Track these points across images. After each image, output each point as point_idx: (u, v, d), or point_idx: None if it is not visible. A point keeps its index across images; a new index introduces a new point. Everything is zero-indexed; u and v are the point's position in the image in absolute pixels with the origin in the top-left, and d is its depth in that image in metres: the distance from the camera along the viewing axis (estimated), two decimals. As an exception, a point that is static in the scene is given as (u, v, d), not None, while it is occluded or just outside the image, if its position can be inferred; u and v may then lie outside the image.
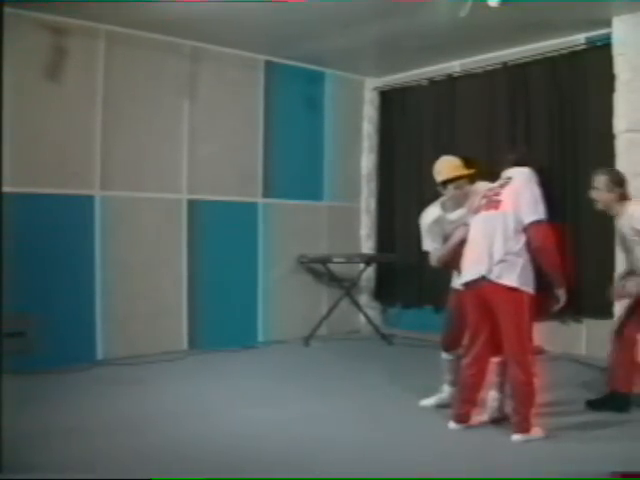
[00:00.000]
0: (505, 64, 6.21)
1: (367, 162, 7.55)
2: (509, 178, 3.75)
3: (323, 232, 7.14)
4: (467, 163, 4.06)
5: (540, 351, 5.86)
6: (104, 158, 5.60)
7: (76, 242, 5.46)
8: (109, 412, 4.09)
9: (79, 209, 5.50)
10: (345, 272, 6.95)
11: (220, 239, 6.26)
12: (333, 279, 6.88)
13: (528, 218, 3.56)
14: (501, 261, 3.55)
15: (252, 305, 6.59)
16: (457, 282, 3.88)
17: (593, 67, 5.60)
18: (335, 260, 6.73)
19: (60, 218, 5.31)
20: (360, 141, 7.56)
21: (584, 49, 5.71)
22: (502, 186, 3.73)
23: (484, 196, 3.80)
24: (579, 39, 5.75)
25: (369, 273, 7.28)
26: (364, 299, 7.38)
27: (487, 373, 3.84)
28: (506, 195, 3.65)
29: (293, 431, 3.79)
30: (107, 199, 5.63)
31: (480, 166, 4.08)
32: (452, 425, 3.79)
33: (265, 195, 6.69)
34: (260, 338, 6.59)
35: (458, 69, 6.72)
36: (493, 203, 3.68)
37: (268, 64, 6.68)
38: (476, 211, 3.80)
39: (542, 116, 5.96)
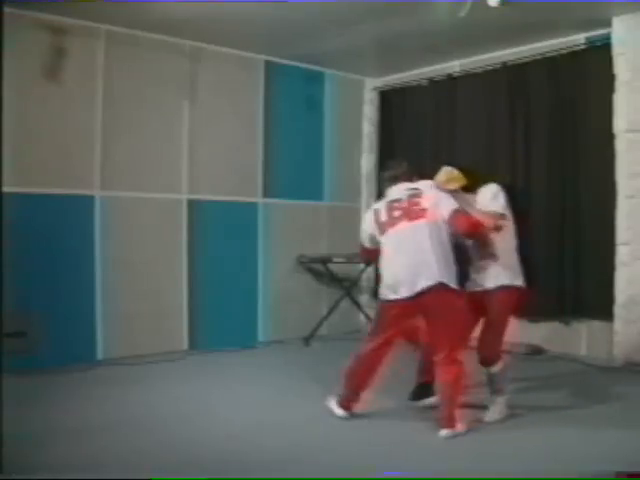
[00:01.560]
0: (505, 64, 6.21)
1: (367, 162, 7.56)
2: (416, 189, 3.86)
3: (323, 232, 7.14)
4: (464, 173, 4.08)
5: (538, 351, 5.90)
6: (104, 158, 5.60)
7: (76, 242, 5.45)
8: (109, 412, 4.09)
9: (79, 209, 5.50)
10: (345, 272, 6.95)
11: (220, 239, 6.26)
12: (333, 279, 6.88)
13: (449, 209, 3.72)
14: (447, 267, 3.70)
15: (252, 305, 6.59)
16: (390, 294, 3.79)
17: (593, 67, 5.60)
18: (335, 260, 6.73)
19: (60, 218, 5.31)
20: (360, 141, 7.56)
21: (584, 49, 5.70)
22: (415, 196, 3.81)
23: (391, 208, 3.83)
24: (579, 39, 5.75)
25: (369, 273, 7.28)
26: (364, 299, 7.38)
27: (382, 364, 3.96)
28: (428, 204, 3.76)
29: (293, 431, 3.79)
30: (107, 199, 5.63)
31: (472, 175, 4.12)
32: (333, 406, 3.96)
33: (265, 195, 6.69)
34: (260, 338, 6.59)
35: (458, 69, 6.72)
36: (415, 213, 3.75)
37: (268, 64, 6.68)
38: (389, 224, 3.81)
39: (542, 116, 5.96)
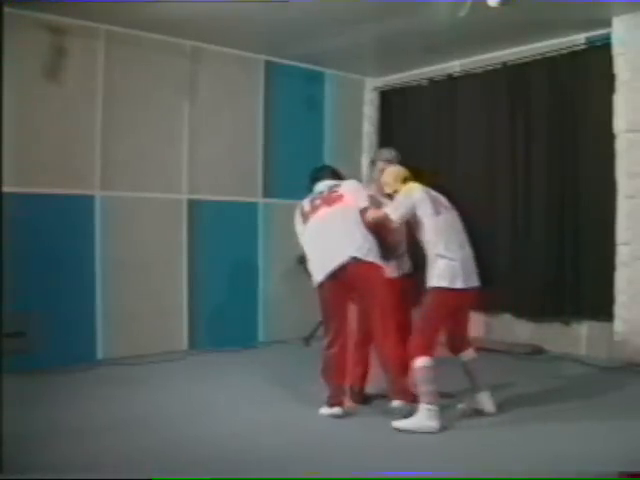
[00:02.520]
0: (505, 64, 6.21)
1: (367, 162, 7.55)
2: (336, 183, 4.24)
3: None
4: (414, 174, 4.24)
5: (538, 351, 5.90)
6: (104, 158, 5.60)
7: (76, 242, 5.45)
8: (109, 412, 4.09)
9: (79, 209, 5.50)
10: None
11: (220, 239, 6.26)
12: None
13: (363, 204, 4.07)
14: (364, 243, 3.95)
15: (252, 305, 6.59)
16: (318, 276, 4.02)
17: (593, 67, 5.60)
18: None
19: (60, 218, 5.31)
20: (360, 141, 7.56)
21: (584, 49, 5.70)
22: (335, 187, 4.18)
23: (314, 200, 4.17)
24: (579, 39, 5.75)
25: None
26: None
27: (348, 352, 4.14)
28: (345, 193, 4.13)
29: (294, 431, 3.79)
30: (107, 199, 5.63)
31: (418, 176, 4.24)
32: (325, 410, 4.01)
33: (265, 195, 6.70)
34: (260, 338, 6.60)
35: (458, 69, 6.72)
36: (333, 199, 4.10)
37: (268, 64, 6.68)
38: (311, 213, 4.12)
39: (542, 116, 5.96)
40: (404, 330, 3.98)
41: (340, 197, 4.09)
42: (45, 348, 4.96)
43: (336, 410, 4.01)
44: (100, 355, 5.56)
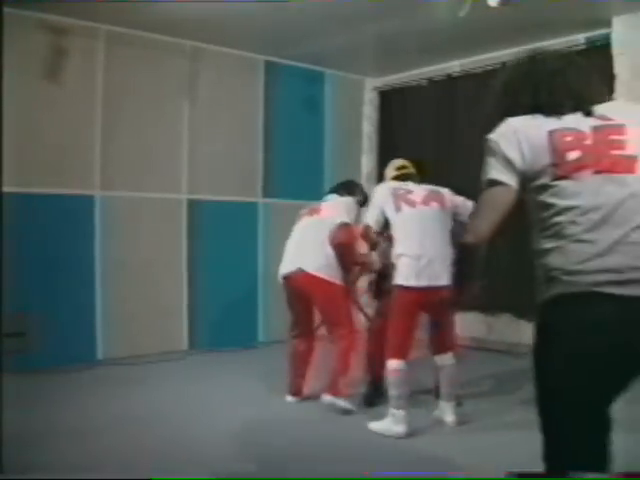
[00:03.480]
0: (505, 64, 6.20)
1: (367, 162, 7.56)
2: (333, 198, 4.53)
3: (323, 232, 7.13)
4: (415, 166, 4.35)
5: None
6: (104, 158, 5.61)
7: (76, 242, 5.46)
8: (109, 412, 4.09)
9: (79, 209, 5.50)
10: (345, 272, 6.94)
11: (220, 239, 6.26)
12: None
13: (340, 219, 4.27)
14: (319, 257, 4.21)
15: (252, 305, 6.59)
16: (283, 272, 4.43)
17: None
18: (335, 260, 6.72)
19: (60, 218, 5.31)
20: (360, 141, 7.57)
21: (584, 49, 5.71)
22: (330, 199, 4.52)
23: (310, 208, 4.55)
24: (579, 39, 5.75)
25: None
26: (364, 299, 7.36)
27: (313, 349, 4.58)
28: (329, 205, 4.45)
29: (293, 431, 3.80)
30: (107, 199, 5.64)
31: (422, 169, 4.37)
32: (289, 398, 4.42)
33: (265, 195, 6.70)
34: (260, 338, 6.60)
35: (458, 69, 6.72)
36: (317, 210, 4.46)
37: (268, 64, 6.69)
38: (300, 216, 4.56)
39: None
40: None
41: (319, 210, 4.44)
42: (45, 348, 4.95)
43: (289, 399, 4.41)
44: (100, 355, 5.56)
